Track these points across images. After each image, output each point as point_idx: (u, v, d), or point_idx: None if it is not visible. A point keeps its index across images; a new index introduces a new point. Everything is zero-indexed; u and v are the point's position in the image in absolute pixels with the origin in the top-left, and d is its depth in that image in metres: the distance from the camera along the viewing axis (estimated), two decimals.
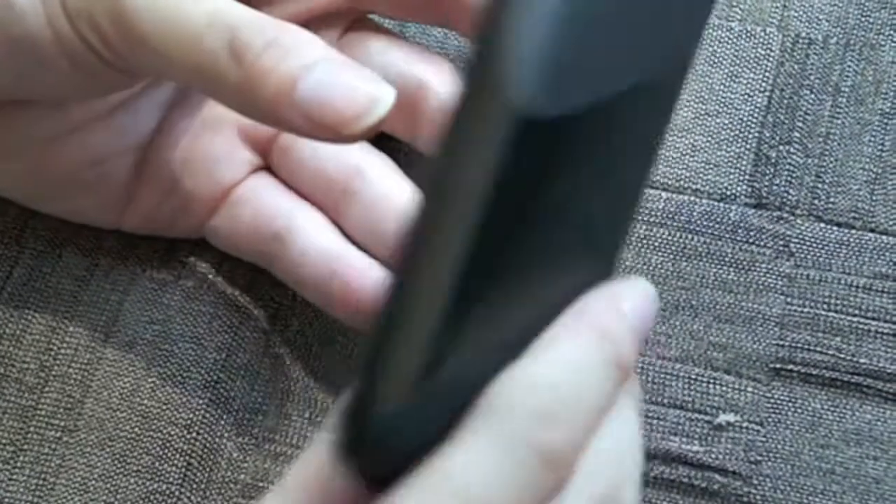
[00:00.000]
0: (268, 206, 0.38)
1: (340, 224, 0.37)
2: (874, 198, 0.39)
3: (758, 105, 0.41)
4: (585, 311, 0.27)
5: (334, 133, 0.30)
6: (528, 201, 0.25)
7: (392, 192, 0.37)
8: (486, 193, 0.23)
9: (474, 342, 0.25)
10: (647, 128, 0.28)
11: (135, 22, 0.31)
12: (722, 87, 0.41)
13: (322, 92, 0.30)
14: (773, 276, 0.39)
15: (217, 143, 0.38)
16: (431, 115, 0.36)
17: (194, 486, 0.36)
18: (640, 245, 0.39)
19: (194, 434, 0.37)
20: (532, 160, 0.24)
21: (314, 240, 0.37)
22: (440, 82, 0.37)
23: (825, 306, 0.38)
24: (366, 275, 0.36)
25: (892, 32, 0.42)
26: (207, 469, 0.37)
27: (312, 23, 0.38)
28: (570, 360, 0.26)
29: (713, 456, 0.37)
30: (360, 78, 0.30)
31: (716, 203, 0.39)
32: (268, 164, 0.39)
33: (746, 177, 0.40)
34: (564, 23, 0.24)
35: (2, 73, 0.33)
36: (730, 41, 0.42)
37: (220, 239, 0.39)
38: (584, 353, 0.26)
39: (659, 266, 0.39)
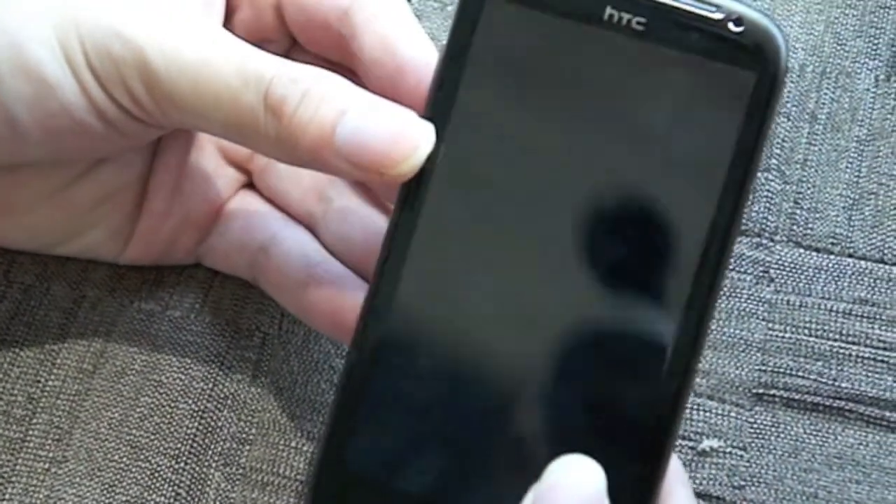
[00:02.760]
0: (254, 219, 0.38)
1: (318, 236, 0.37)
2: (852, 223, 0.39)
3: None
4: None
5: (379, 175, 0.30)
6: None
7: (361, 202, 0.37)
8: None
9: None
10: None
11: (167, 85, 0.31)
12: None
13: (361, 137, 0.30)
14: (755, 302, 0.38)
15: (203, 163, 0.38)
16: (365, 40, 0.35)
17: None
18: None
19: (182, 464, 0.36)
20: None
21: (294, 251, 0.37)
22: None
23: (806, 331, 0.38)
24: (342, 284, 0.35)
25: (867, 60, 0.42)
26: (195, 499, 0.36)
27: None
28: None
29: (697, 482, 0.36)
30: (397, 119, 0.31)
31: None
32: (250, 182, 0.39)
33: None
34: None
35: (38, 142, 0.33)
36: None
37: (214, 256, 0.39)
38: None
39: None
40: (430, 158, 0.30)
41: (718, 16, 0.29)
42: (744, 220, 0.39)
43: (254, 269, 0.38)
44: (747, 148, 0.29)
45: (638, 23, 0.30)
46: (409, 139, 0.30)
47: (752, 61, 0.29)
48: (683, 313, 0.29)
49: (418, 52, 0.34)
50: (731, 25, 0.29)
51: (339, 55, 0.36)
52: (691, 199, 0.30)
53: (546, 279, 0.30)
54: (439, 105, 0.31)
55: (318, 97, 0.31)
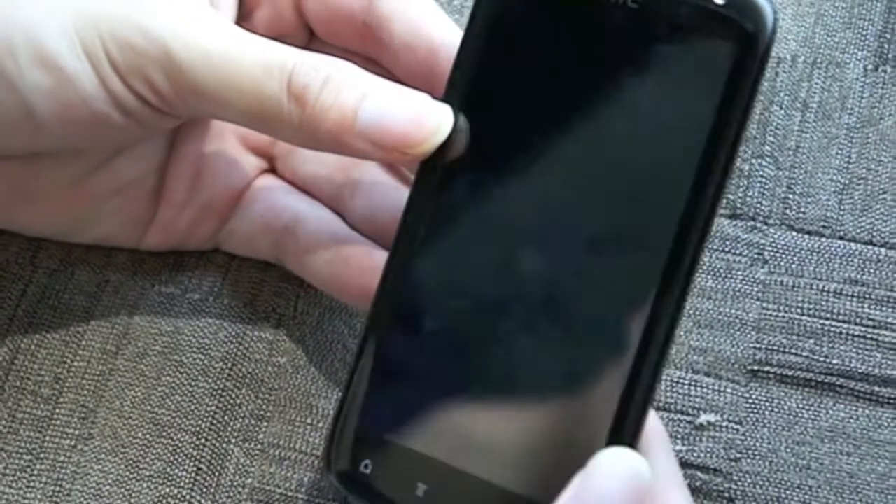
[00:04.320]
0: (277, 201, 0.38)
1: (344, 215, 0.38)
2: (842, 207, 0.40)
3: None
4: None
5: (401, 154, 0.31)
6: None
7: (388, 181, 0.37)
8: None
9: None
10: None
11: (190, 76, 0.31)
12: None
13: (383, 119, 0.31)
14: (749, 283, 0.39)
15: (223, 152, 0.38)
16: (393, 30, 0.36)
17: (204, 489, 0.36)
18: None
19: (203, 440, 0.37)
20: None
21: (322, 228, 0.37)
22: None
23: (798, 310, 0.38)
24: (371, 258, 0.36)
25: (856, 51, 0.42)
26: (216, 473, 0.37)
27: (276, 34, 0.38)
28: None
29: (695, 454, 0.37)
30: (416, 100, 0.31)
31: None
32: (272, 168, 0.39)
33: None
34: None
35: (56, 134, 0.33)
36: None
37: (234, 240, 0.39)
38: None
39: None
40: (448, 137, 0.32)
41: None
42: (739, 205, 0.40)
43: (278, 249, 0.38)
44: (736, 113, 0.30)
45: (633, 0, 0.31)
46: (430, 119, 0.31)
47: (737, 32, 0.30)
48: (667, 266, 0.30)
49: (449, 35, 0.35)
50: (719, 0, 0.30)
51: (361, 45, 0.37)
52: (679, 161, 0.30)
53: (549, 248, 0.31)
54: (456, 85, 0.32)
55: (340, 83, 0.31)
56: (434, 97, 0.32)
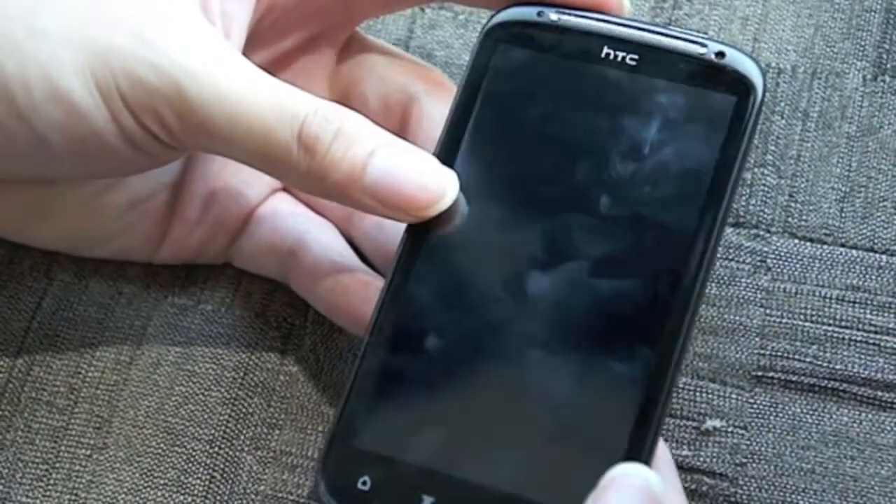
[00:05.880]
0: (284, 223, 0.38)
1: (352, 237, 0.38)
2: (843, 215, 0.40)
3: None
4: None
5: (406, 215, 0.32)
6: None
7: None
8: None
9: None
10: None
11: (201, 115, 0.31)
12: None
13: (391, 179, 0.31)
14: (753, 290, 0.39)
15: (237, 171, 0.38)
16: (421, 126, 0.37)
17: (217, 497, 0.36)
18: None
19: (216, 448, 0.37)
20: None
21: (322, 255, 0.37)
22: (433, 97, 0.37)
23: (802, 317, 0.38)
24: (366, 288, 0.36)
25: (855, 61, 0.42)
26: (229, 481, 0.37)
27: (309, 48, 0.38)
28: None
29: (701, 459, 0.37)
30: (424, 165, 0.32)
31: None
32: (285, 186, 0.39)
33: None
34: None
35: (68, 163, 0.33)
36: None
37: (244, 258, 0.39)
38: None
39: None
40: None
41: (703, 51, 0.33)
42: (742, 213, 0.40)
43: (284, 271, 0.38)
44: (732, 157, 0.32)
45: (631, 59, 0.33)
46: (436, 185, 0.31)
47: (733, 88, 0.32)
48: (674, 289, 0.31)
49: None
50: (714, 59, 0.33)
51: None
52: (684, 200, 0.32)
53: (549, 278, 0.32)
54: (452, 137, 0.33)
55: (350, 137, 0.31)
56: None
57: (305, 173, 0.31)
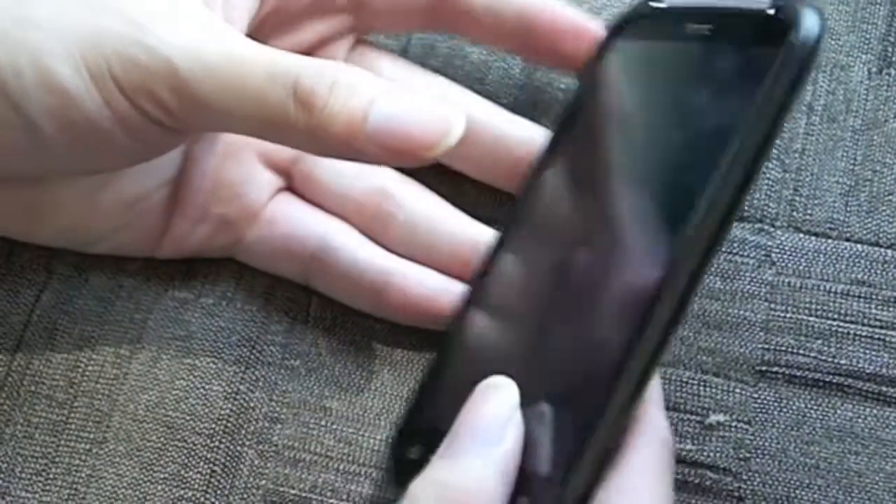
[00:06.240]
0: (299, 226, 0.38)
1: (379, 241, 0.38)
2: (848, 209, 0.40)
3: None
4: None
5: (413, 159, 0.31)
6: None
7: (432, 213, 0.38)
8: None
9: None
10: None
11: (196, 90, 0.31)
12: None
13: (395, 122, 0.30)
14: (757, 285, 0.39)
15: (240, 169, 0.38)
16: None
17: (218, 491, 0.36)
18: None
19: (217, 443, 0.37)
20: None
21: (358, 254, 0.37)
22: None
23: (806, 311, 0.38)
24: (422, 283, 0.37)
25: (860, 54, 0.42)
26: (230, 475, 0.37)
27: (320, 46, 0.38)
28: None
29: (705, 454, 0.37)
30: (427, 104, 0.31)
31: None
32: (289, 185, 0.39)
33: None
34: None
35: (62, 154, 0.33)
36: None
37: (253, 257, 0.39)
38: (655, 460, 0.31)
39: None
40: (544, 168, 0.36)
41: (762, 6, 0.32)
42: (746, 207, 0.40)
43: (305, 274, 0.38)
44: (781, 106, 0.31)
45: (708, 29, 0.33)
46: (441, 122, 0.31)
47: (783, 36, 0.31)
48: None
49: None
50: (770, 11, 0.32)
51: (427, 21, 0.38)
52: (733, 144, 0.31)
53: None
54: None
55: (347, 87, 0.31)
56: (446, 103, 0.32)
57: (306, 131, 0.31)
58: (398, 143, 0.30)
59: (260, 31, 0.37)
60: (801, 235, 0.39)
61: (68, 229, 0.37)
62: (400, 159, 0.31)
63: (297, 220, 0.38)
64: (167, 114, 0.32)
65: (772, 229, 0.39)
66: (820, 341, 0.38)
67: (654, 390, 0.32)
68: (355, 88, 0.31)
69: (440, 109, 0.31)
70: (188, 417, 0.37)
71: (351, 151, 0.31)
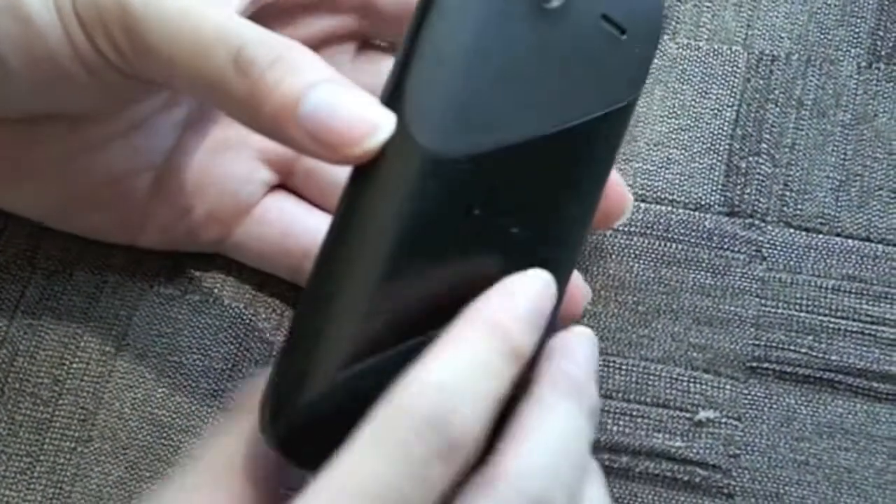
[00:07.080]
0: (295, 225, 0.37)
1: None
2: (839, 204, 0.39)
3: (727, 119, 0.41)
4: (478, 307, 0.29)
5: (334, 153, 0.30)
6: (440, 225, 0.29)
7: None
8: (399, 218, 0.29)
9: (395, 340, 0.29)
10: (581, 170, 0.31)
11: (144, 32, 0.31)
12: (693, 103, 0.41)
13: (325, 112, 0.29)
14: (748, 280, 0.38)
15: (235, 164, 0.38)
16: None
17: None
18: (622, 253, 0.39)
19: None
20: (437, 191, 0.29)
21: None
22: None
23: (797, 307, 0.38)
24: None
25: (849, 48, 0.42)
26: None
27: (324, 45, 0.38)
28: (459, 358, 0.27)
29: (694, 451, 0.36)
30: (362, 102, 0.30)
31: (691, 212, 0.39)
32: (284, 183, 0.39)
33: (719, 187, 0.40)
34: (466, 75, 0.29)
35: (25, 89, 0.33)
36: (698, 60, 0.42)
37: (245, 254, 0.38)
38: (475, 348, 0.28)
39: (640, 273, 0.39)
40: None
41: None
42: (737, 203, 0.39)
43: (298, 273, 0.37)
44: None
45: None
46: (370, 122, 0.29)
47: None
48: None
49: None
50: None
51: None
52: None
53: None
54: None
55: (288, 66, 0.30)
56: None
57: (239, 101, 0.30)
58: (322, 134, 0.29)
59: (260, 18, 0.36)
60: (792, 231, 0.39)
61: (48, 195, 0.37)
62: (325, 152, 0.30)
63: (291, 217, 0.38)
64: (119, 55, 0.32)
65: (762, 224, 0.39)
66: (811, 337, 0.38)
67: (589, 363, 0.31)
68: (297, 69, 0.30)
69: (372, 110, 0.30)
70: (175, 415, 0.37)
71: (280, 133, 0.30)
